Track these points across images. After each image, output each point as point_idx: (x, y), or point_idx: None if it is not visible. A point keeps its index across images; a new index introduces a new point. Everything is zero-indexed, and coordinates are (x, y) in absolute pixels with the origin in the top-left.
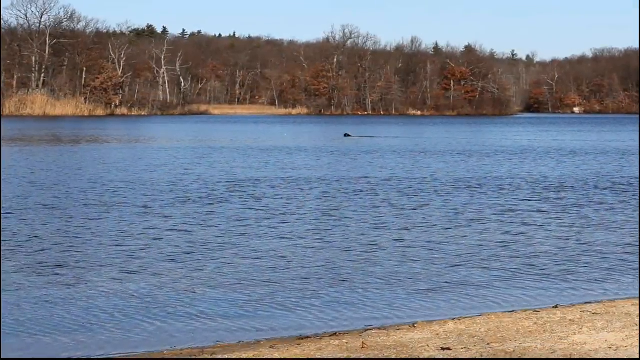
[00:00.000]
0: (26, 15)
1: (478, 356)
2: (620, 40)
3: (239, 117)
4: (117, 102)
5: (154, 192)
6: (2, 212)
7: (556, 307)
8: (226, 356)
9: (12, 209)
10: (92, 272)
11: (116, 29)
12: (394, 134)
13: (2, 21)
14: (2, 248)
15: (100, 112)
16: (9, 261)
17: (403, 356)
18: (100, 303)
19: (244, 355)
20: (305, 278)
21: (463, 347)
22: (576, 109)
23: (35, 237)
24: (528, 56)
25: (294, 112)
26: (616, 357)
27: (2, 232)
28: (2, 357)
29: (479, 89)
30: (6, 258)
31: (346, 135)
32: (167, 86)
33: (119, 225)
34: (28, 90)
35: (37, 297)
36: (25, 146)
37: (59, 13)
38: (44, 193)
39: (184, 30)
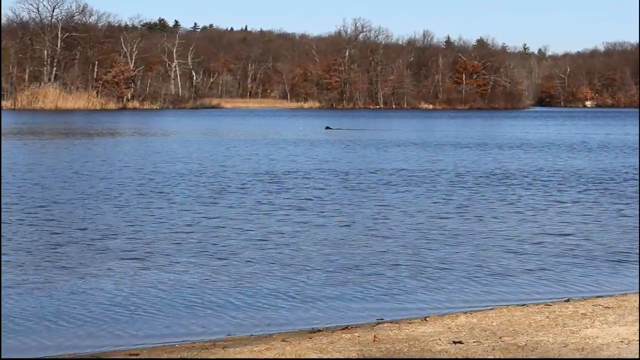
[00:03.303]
0: (38, 9)
1: (490, 350)
2: (633, 34)
3: (251, 110)
4: (129, 96)
5: (200, 183)
6: (59, 200)
7: (568, 300)
8: (238, 349)
9: (69, 199)
10: (105, 263)
11: (128, 23)
12: (386, 127)
13: (14, 15)
14: (77, 235)
15: (112, 105)
16: (92, 246)
17: (415, 350)
18: (107, 295)
19: (256, 349)
20: (318, 271)
21: (475, 340)
22: (588, 103)
23: (110, 225)
24: (540, 50)
25: (305, 105)
26: (628, 350)
27: (54, 220)
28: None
29: (491, 82)
30: (88, 244)
31: (327, 128)
32: (178, 80)
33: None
34: (40, 84)
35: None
36: (52, 139)
37: (70, 7)
38: (92, 183)
39: (195, 24)
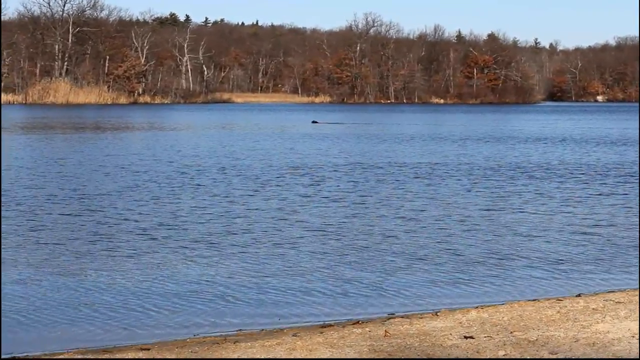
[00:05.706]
0: (49, 4)
1: (501, 345)
2: None
3: (262, 105)
4: (140, 90)
5: (233, 176)
6: (109, 190)
7: (579, 295)
8: (249, 343)
9: (110, 191)
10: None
11: (139, 18)
12: (392, 122)
13: (25, 9)
14: (130, 225)
15: (123, 100)
16: (148, 237)
17: (426, 344)
18: (119, 288)
19: (267, 343)
20: (330, 266)
21: (486, 335)
22: (599, 98)
23: (176, 214)
24: (551, 44)
25: (316, 100)
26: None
27: (99, 212)
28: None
29: (502, 77)
30: (145, 235)
31: (314, 122)
32: (189, 74)
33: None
34: (51, 79)
35: None
36: (72, 134)
37: (81, 1)
38: (128, 176)
39: (206, 18)
